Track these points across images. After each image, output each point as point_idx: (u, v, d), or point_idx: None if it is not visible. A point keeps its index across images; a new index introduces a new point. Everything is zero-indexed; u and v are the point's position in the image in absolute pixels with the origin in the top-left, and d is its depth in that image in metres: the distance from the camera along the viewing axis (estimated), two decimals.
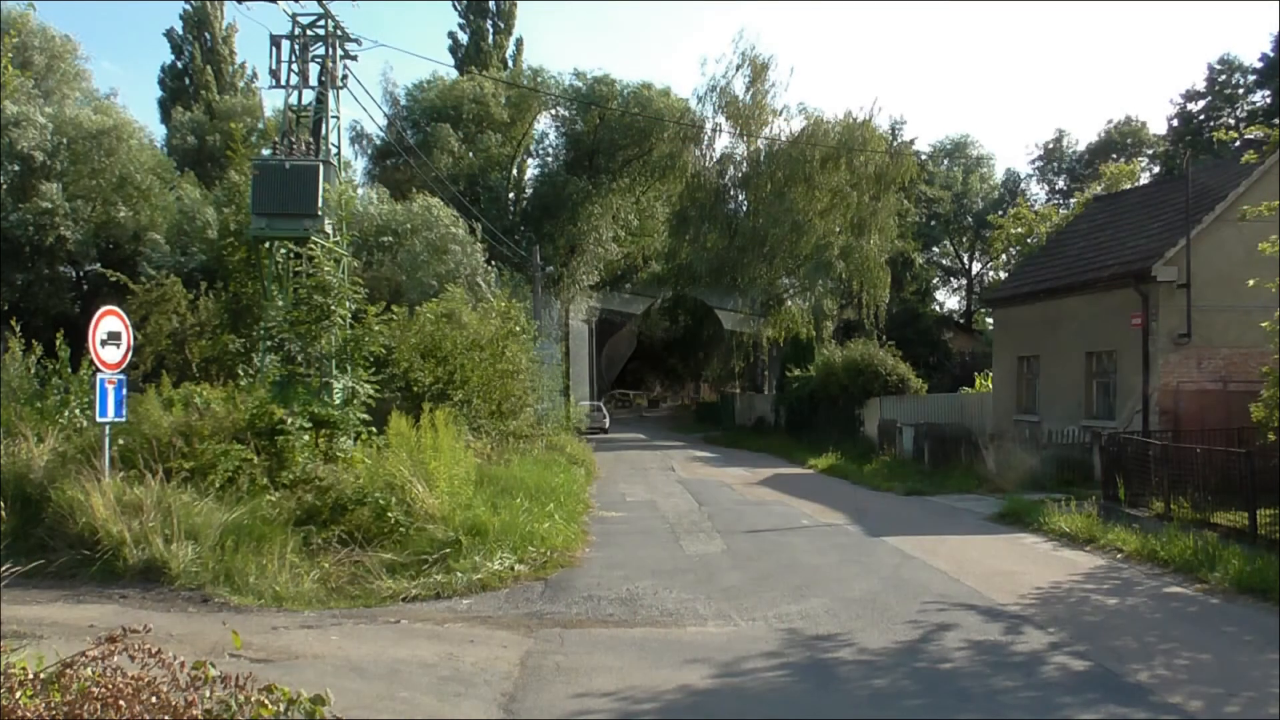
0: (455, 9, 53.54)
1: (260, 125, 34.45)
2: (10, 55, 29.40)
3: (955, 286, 68.86)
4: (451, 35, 53.98)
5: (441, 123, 45.55)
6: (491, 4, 53.42)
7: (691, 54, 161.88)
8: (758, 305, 42.82)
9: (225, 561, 9.70)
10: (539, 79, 48.05)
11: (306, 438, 12.34)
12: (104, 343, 10.78)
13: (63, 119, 28.28)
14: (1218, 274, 18.00)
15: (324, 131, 16.62)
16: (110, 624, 6.67)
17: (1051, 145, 60.79)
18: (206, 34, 49.02)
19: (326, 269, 14.30)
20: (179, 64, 49.50)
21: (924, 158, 56.77)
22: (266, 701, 4.15)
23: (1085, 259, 22.13)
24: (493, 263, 33.18)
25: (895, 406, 28.80)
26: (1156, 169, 48.96)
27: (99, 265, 27.05)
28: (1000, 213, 48.42)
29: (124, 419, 11.15)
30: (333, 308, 14.01)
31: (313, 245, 14.84)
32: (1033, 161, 62.32)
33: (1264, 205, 13.12)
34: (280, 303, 15.58)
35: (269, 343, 15.46)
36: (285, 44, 16.42)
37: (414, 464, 12.00)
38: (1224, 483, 12.03)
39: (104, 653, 4.19)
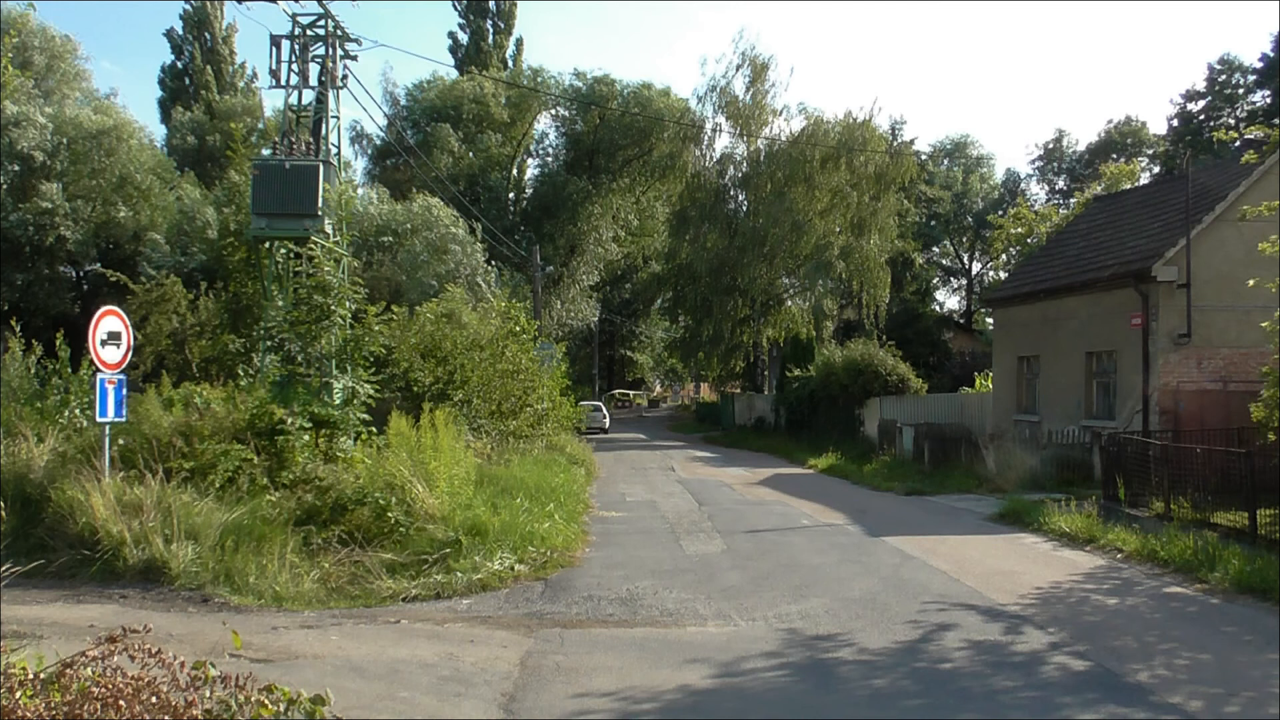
0: (455, 9, 53.68)
1: (260, 125, 34.48)
2: (10, 55, 29.42)
3: (955, 286, 69.02)
4: (451, 35, 54.17)
5: (441, 123, 45.62)
6: (491, 4, 53.50)
7: (691, 53, 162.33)
8: (758, 305, 42.83)
9: (225, 561, 9.70)
10: (539, 79, 48.13)
11: (306, 438, 12.33)
12: (104, 343, 10.78)
13: (63, 119, 28.30)
14: (1218, 274, 18.01)
15: (324, 131, 16.62)
16: (110, 624, 6.68)
17: (1051, 145, 60.90)
18: (206, 34, 49.08)
19: (326, 269, 14.29)
20: (179, 64, 49.57)
21: (924, 158, 56.83)
22: (266, 701, 4.16)
23: (1085, 259, 22.13)
24: (493, 263, 33.23)
25: (895, 406, 28.80)
26: (1156, 169, 49.00)
27: (99, 265, 27.11)
28: (1000, 213, 48.45)
29: (124, 419, 11.15)
30: (333, 308, 14.00)
31: (313, 245, 14.84)
32: (1033, 161, 62.52)
33: (1264, 205, 13.13)
34: (280, 303, 15.58)
35: (269, 343, 15.46)
36: (285, 44, 16.41)
37: (414, 464, 12.00)
38: (1224, 483, 12.03)
39: (104, 653, 4.20)
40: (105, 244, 29.23)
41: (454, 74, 48.95)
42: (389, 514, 11.07)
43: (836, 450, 26.95)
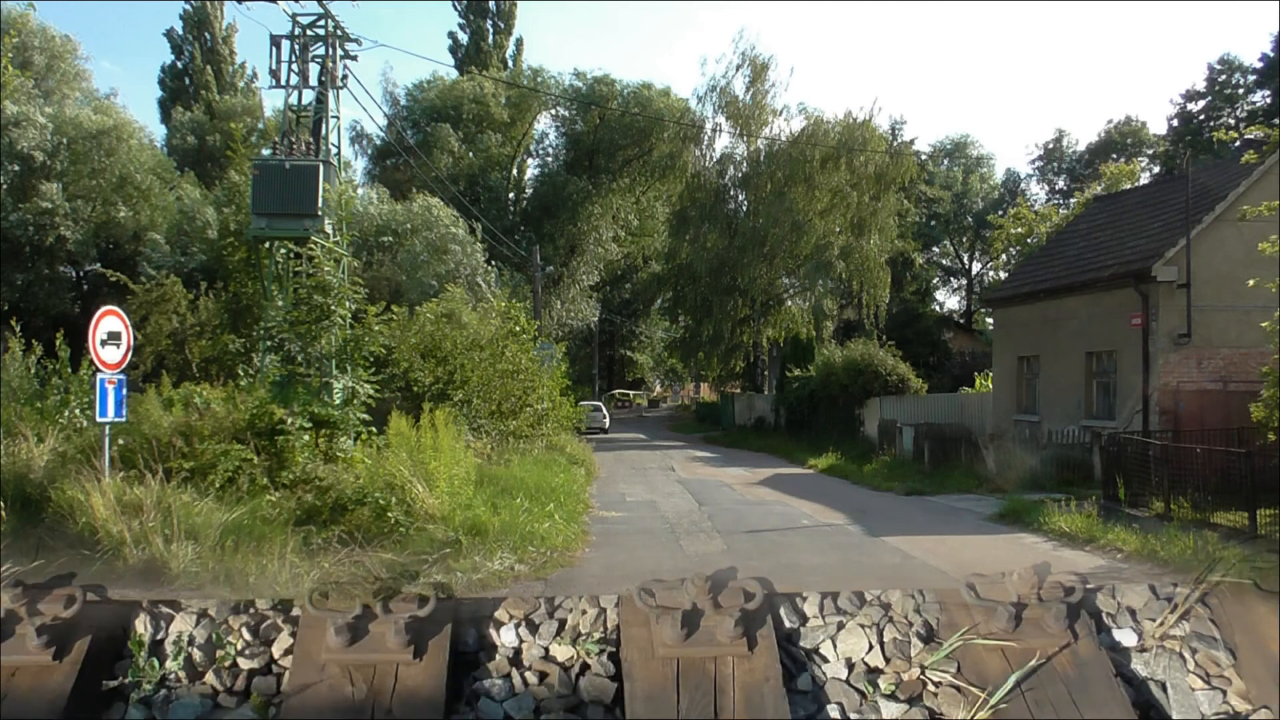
0: (455, 9, 53.73)
1: (260, 125, 34.53)
2: (10, 55, 29.45)
3: (955, 286, 69.01)
4: (451, 35, 54.22)
5: (441, 123, 45.67)
6: (491, 4, 53.54)
7: (691, 53, 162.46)
8: (758, 305, 42.84)
9: (225, 561, 9.69)
10: (539, 79, 48.18)
11: (306, 438, 12.32)
12: (104, 343, 10.77)
13: (63, 119, 28.32)
14: (1218, 274, 18.02)
15: (324, 131, 16.63)
16: None
17: (1051, 145, 60.89)
18: (206, 34, 49.12)
19: (326, 269, 14.30)
20: (179, 64, 49.61)
21: (924, 158, 56.85)
22: None
23: (1085, 259, 22.14)
24: (493, 263, 33.28)
25: (895, 406, 28.80)
26: (1156, 169, 49.00)
27: (99, 265, 27.14)
28: (1000, 213, 48.48)
29: (124, 419, 11.14)
30: (333, 308, 14.01)
31: (313, 245, 14.85)
32: (1033, 161, 62.51)
33: (1264, 205, 13.15)
34: (280, 303, 15.58)
35: (269, 343, 15.47)
36: (285, 44, 16.43)
37: (414, 464, 11.99)
38: (1224, 483, 12.04)
39: None
40: (105, 244, 29.25)
41: (454, 74, 49.03)
42: (389, 514, 11.06)
43: (836, 450, 26.94)
